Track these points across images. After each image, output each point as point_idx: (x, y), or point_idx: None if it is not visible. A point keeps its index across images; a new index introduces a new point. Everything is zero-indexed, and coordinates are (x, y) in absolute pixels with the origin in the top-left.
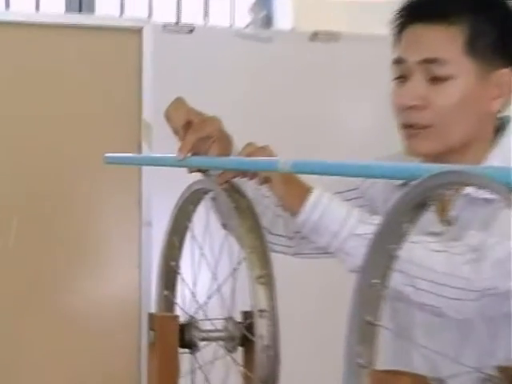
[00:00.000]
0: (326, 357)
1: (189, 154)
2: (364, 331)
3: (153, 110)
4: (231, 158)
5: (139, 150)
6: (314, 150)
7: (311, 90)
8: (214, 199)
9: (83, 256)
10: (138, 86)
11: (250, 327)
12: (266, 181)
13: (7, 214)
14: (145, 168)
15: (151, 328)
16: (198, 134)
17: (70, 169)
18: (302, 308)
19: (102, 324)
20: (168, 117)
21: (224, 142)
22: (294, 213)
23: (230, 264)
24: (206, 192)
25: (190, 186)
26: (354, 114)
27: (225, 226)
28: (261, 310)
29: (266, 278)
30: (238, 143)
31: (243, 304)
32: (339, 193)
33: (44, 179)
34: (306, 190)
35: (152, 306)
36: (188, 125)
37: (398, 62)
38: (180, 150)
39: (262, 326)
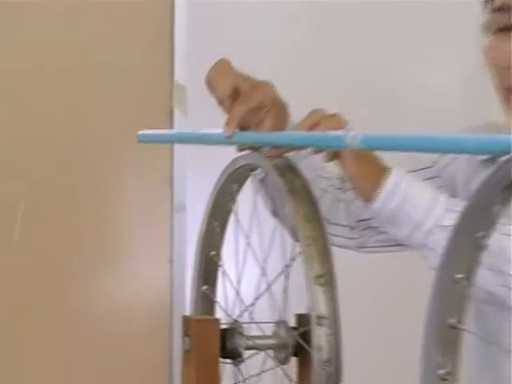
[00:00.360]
0: (397, 370)
1: (237, 129)
2: (445, 337)
3: (186, 70)
4: (289, 132)
5: (171, 117)
6: (381, 121)
7: (378, 46)
8: (261, 180)
9: (103, 249)
10: (169, 42)
11: (305, 334)
12: (335, 156)
13: (14, 200)
14: (177, 153)
15: (186, 334)
16: (248, 104)
17: (90, 139)
18: (366, 312)
19: (125, 329)
20: (210, 84)
21: (279, 112)
22: (368, 198)
23: (282, 257)
24: (252, 169)
25: (233, 162)
26: (429, 77)
27: (275, 213)
28: (319, 317)
29: (326, 278)
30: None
31: (297, 305)
32: (413, 171)
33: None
34: (382, 170)
35: (186, 307)
36: (235, 93)
37: (502, 8)
38: (227, 124)
39: (320, 336)
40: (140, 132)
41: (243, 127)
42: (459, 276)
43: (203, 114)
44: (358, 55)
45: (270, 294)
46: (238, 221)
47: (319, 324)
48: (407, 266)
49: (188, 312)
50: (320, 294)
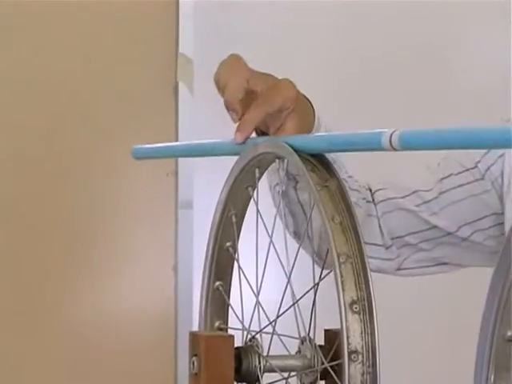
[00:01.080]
0: None
1: (253, 135)
2: (504, 353)
3: (193, 41)
4: (315, 135)
5: (175, 95)
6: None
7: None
8: (282, 193)
9: (97, 254)
10: (174, 10)
11: (336, 357)
12: None
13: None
14: (182, 129)
15: (194, 353)
16: (266, 108)
17: (83, 123)
18: (406, 344)
19: (121, 348)
20: (219, 84)
21: (303, 114)
22: None
23: (309, 262)
24: (278, 157)
25: (255, 147)
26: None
27: (296, 233)
28: (352, 352)
29: (362, 304)
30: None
31: (324, 318)
32: (454, 175)
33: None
34: None
35: (194, 322)
36: (250, 95)
37: None
38: (239, 129)
39: (354, 375)
40: (135, 146)
41: (259, 133)
42: None
43: (211, 92)
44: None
45: (294, 307)
46: (258, 211)
47: (352, 360)
48: (451, 289)
49: (196, 321)
50: (354, 323)
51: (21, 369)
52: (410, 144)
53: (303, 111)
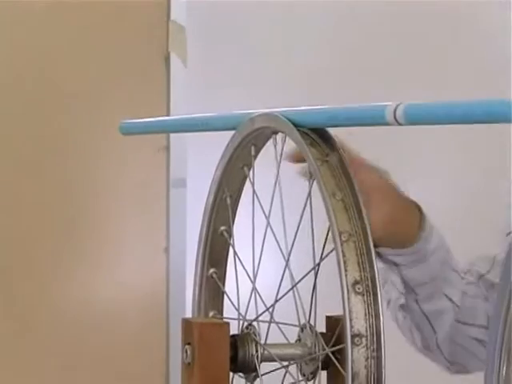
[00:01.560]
0: None
1: None
2: None
3: (185, 6)
4: (315, 108)
5: (167, 66)
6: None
7: None
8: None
9: (82, 234)
10: None
11: (338, 345)
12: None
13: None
14: (174, 103)
15: (187, 341)
16: None
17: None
18: None
19: (110, 336)
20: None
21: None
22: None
23: (310, 241)
24: (275, 132)
25: (251, 121)
26: None
27: (426, 348)
28: (356, 335)
29: (366, 285)
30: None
31: (325, 304)
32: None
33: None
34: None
35: (187, 308)
36: None
37: None
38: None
39: (357, 360)
40: (123, 121)
41: None
42: None
43: (205, 62)
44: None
45: (293, 292)
46: (254, 192)
47: (356, 344)
48: None
49: (188, 313)
50: (358, 304)
51: (7, 358)
52: (416, 118)
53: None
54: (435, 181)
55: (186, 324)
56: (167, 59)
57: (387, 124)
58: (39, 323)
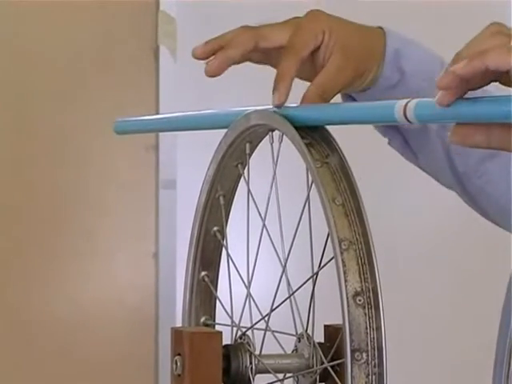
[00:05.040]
0: None
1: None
2: None
3: None
4: (316, 106)
5: (156, 59)
6: None
7: None
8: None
9: (67, 237)
10: None
11: (337, 356)
12: None
13: None
14: (163, 99)
15: (177, 352)
16: (298, 52)
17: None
18: (415, 340)
19: (96, 345)
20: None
21: (348, 55)
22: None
23: (308, 246)
24: (272, 129)
25: (246, 118)
26: None
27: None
28: (356, 350)
29: (367, 296)
30: None
31: (324, 312)
32: None
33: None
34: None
35: (177, 316)
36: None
37: None
38: (275, 88)
39: (357, 376)
40: (118, 120)
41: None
42: None
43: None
44: None
45: (290, 300)
46: (249, 191)
47: (356, 359)
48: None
49: (180, 316)
50: (358, 317)
51: None
52: (427, 116)
53: (346, 46)
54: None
55: (176, 333)
56: (156, 52)
57: (396, 122)
58: (25, 328)
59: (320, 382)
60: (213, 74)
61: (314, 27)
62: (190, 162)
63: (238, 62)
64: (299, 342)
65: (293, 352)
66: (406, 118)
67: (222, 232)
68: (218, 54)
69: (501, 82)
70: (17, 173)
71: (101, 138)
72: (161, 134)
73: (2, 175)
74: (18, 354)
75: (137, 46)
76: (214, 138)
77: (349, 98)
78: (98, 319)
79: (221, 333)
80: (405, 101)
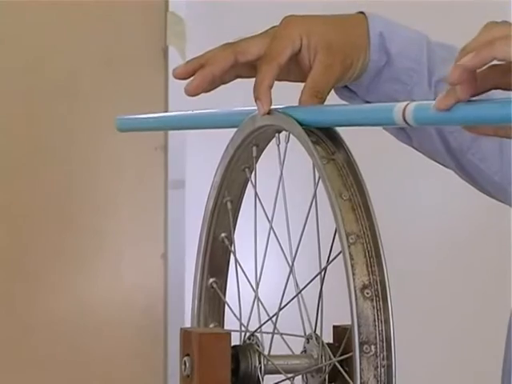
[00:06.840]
0: None
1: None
2: None
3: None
4: (319, 107)
5: (165, 59)
6: None
7: None
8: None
9: (75, 239)
10: None
11: (348, 359)
12: None
13: None
14: (172, 98)
15: (186, 353)
16: (275, 60)
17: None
18: (425, 335)
19: (104, 346)
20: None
21: (332, 51)
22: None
23: (315, 248)
24: (278, 131)
25: (252, 119)
26: None
27: None
28: (364, 343)
29: (375, 289)
30: None
31: (333, 313)
32: None
33: None
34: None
35: (186, 316)
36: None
37: None
38: (256, 97)
39: (366, 368)
40: (119, 117)
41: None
42: None
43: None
44: None
45: (298, 299)
46: (257, 195)
47: (364, 352)
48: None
49: (188, 317)
50: (366, 310)
51: (3, 362)
52: (426, 119)
53: (330, 47)
54: (435, 180)
55: (185, 334)
56: (165, 53)
57: (396, 125)
58: (33, 330)
59: (329, 381)
60: (193, 93)
61: (290, 33)
62: (199, 162)
63: (226, 81)
64: (308, 342)
65: (302, 353)
66: (404, 120)
67: (230, 238)
68: (197, 73)
69: (502, 88)
70: (25, 172)
71: (110, 138)
72: (169, 134)
73: (10, 175)
74: (24, 355)
75: (146, 46)
76: (224, 138)
77: (344, 89)
78: (106, 320)
79: (229, 333)
80: (404, 102)
